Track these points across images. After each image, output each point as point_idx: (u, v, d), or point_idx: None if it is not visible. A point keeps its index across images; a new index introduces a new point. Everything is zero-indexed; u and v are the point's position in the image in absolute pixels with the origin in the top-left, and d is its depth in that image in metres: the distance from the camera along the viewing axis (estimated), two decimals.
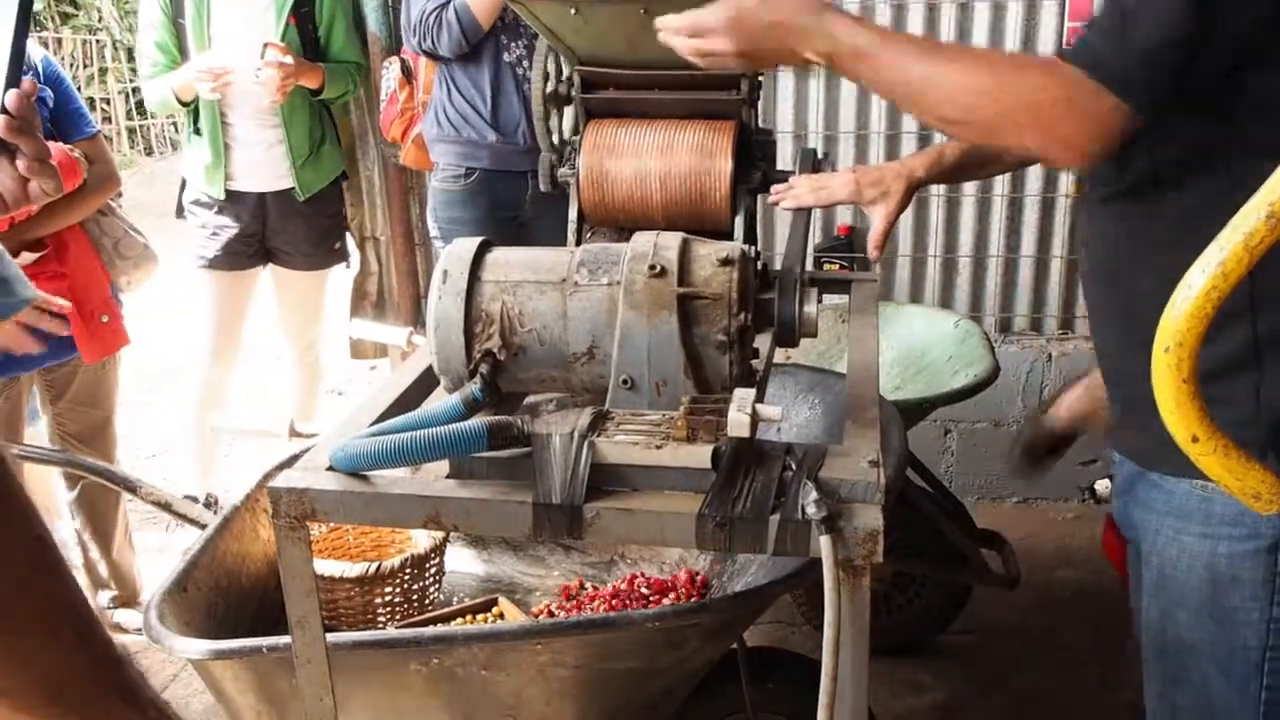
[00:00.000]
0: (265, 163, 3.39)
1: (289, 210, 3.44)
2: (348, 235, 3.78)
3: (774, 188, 1.80)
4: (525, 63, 3.11)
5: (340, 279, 3.83)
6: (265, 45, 3.19)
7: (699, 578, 2.27)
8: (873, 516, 1.16)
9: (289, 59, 3.20)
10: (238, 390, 3.82)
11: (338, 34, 3.47)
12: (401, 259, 3.94)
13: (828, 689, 1.16)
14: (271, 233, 3.46)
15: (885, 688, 2.76)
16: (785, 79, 3.65)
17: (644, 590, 2.25)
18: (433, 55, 3.15)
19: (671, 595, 2.23)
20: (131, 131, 10.63)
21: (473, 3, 2.98)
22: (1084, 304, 3.62)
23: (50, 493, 2.93)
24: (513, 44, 3.11)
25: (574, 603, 2.27)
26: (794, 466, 1.23)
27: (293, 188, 3.41)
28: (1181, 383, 0.79)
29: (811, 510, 1.15)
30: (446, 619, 2.16)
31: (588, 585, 2.34)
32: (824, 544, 1.14)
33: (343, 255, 3.68)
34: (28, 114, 1.03)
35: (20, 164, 1.05)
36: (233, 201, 3.39)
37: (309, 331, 3.70)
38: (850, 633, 1.19)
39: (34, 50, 2.65)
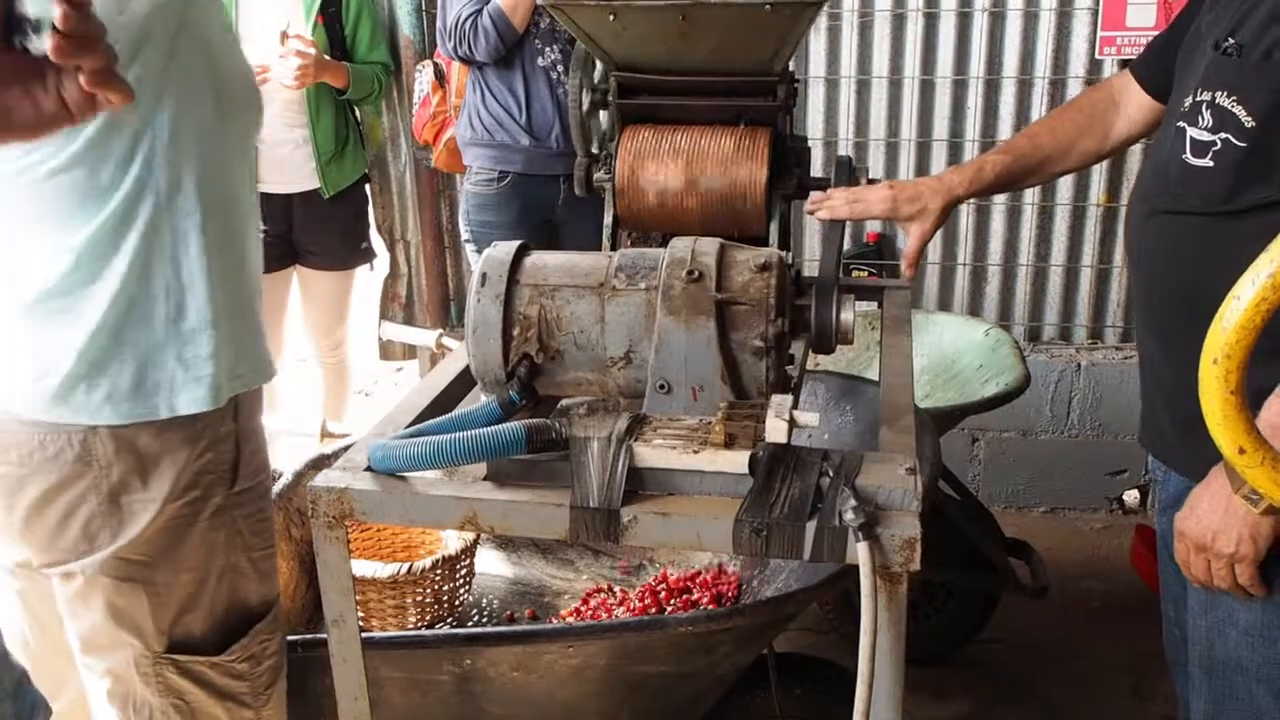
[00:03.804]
0: (291, 162, 3.42)
1: (315, 211, 3.47)
2: (374, 235, 3.80)
3: (811, 197, 1.80)
4: (560, 67, 3.13)
5: (367, 280, 3.85)
6: (283, 34, 3.22)
7: (729, 582, 2.27)
8: (911, 524, 1.16)
9: (310, 49, 3.24)
10: (284, 391, 3.84)
11: (364, 34, 3.52)
12: (431, 261, 3.96)
13: (863, 695, 1.16)
14: (299, 233, 3.50)
15: (911, 696, 2.73)
16: (815, 86, 3.65)
17: (672, 595, 2.25)
18: (469, 60, 3.17)
19: (700, 599, 2.23)
20: None
21: (506, 6, 3.00)
22: (1113, 312, 3.62)
23: None
24: (547, 49, 3.13)
25: (601, 604, 2.27)
26: (831, 473, 1.22)
27: (319, 187, 3.44)
28: (1229, 394, 0.79)
29: (849, 516, 1.15)
30: None
31: (616, 589, 2.34)
32: (861, 551, 1.14)
33: (369, 255, 3.71)
34: (81, 28, 0.94)
35: (82, 78, 0.99)
36: (260, 204, 3.42)
37: (335, 331, 3.73)
38: (886, 639, 1.19)
39: None
